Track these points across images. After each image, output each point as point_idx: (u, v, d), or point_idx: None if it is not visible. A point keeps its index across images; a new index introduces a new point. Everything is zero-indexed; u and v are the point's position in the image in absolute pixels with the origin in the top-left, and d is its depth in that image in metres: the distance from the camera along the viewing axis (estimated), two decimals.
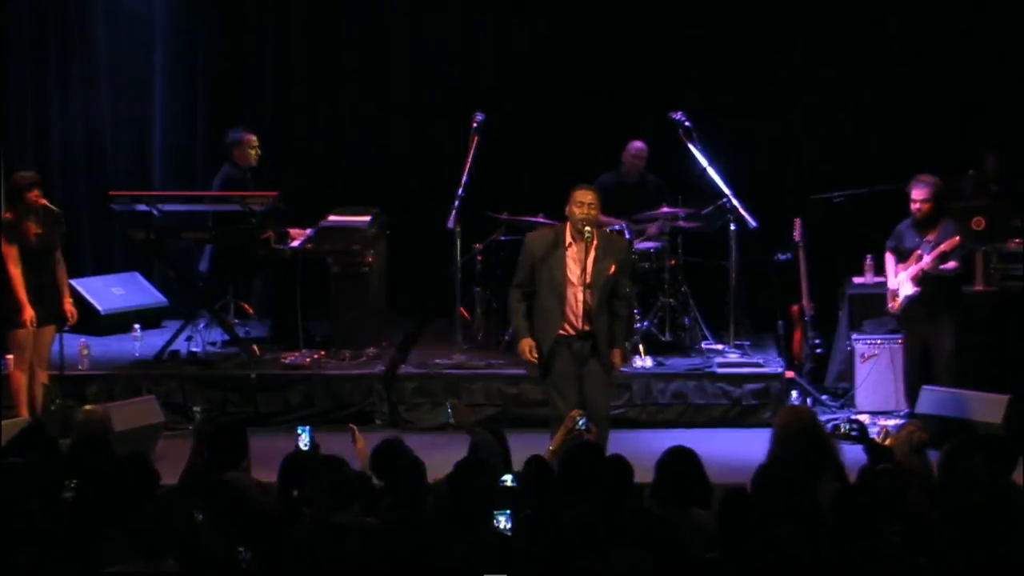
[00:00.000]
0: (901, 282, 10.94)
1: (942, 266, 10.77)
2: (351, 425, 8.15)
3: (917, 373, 11.00)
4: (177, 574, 6.35)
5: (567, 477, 7.18)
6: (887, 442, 7.60)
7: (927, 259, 10.77)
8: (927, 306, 10.89)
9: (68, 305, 10.74)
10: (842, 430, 7.67)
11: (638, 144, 12.57)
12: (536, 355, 9.10)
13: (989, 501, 6.37)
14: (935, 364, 10.91)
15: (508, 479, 7.03)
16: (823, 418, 11.15)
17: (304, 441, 7.58)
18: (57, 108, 13.61)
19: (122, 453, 8.12)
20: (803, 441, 7.42)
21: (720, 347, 12.07)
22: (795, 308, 12.06)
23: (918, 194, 10.84)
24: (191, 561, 6.42)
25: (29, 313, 10.46)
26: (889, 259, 11.09)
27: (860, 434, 7.70)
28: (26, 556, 6.17)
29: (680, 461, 6.97)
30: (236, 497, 6.78)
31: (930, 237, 10.83)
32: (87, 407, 8.48)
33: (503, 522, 6.56)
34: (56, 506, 7.09)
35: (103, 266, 13.45)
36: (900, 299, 10.95)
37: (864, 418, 11.19)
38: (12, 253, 10.49)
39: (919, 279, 10.82)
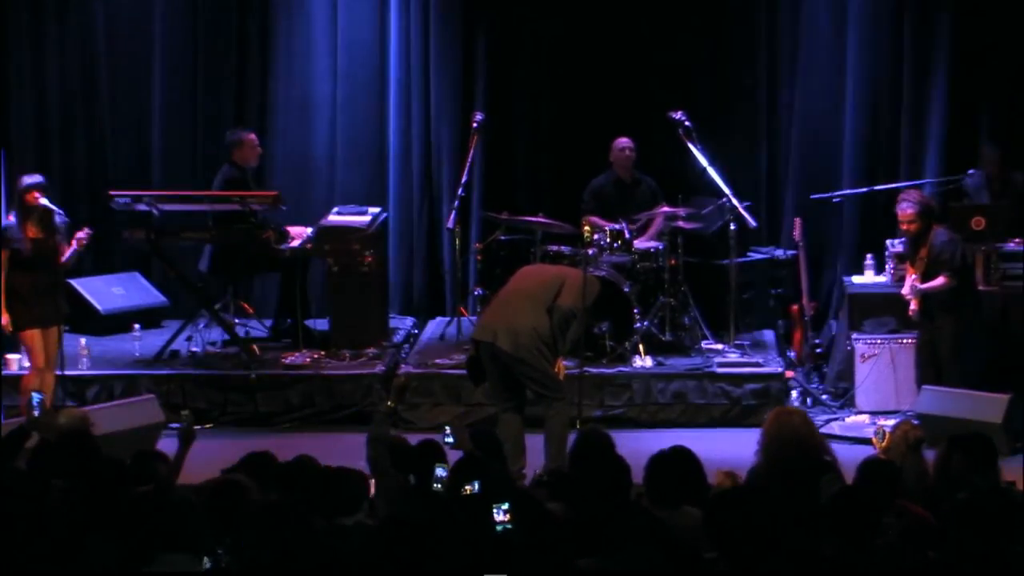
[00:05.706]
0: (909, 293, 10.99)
1: (926, 285, 10.78)
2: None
3: (924, 373, 11.03)
4: (190, 574, 6.35)
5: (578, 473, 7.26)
6: (884, 441, 7.60)
7: (912, 282, 10.83)
8: (927, 309, 10.91)
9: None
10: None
11: (623, 140, 12.51)
12: None
13: (977, 499, 6.37)
14: (941, 364, 10.96)
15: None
16: (823, 418, 11.18)
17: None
18: (58, 106, 13.60)
19: (120, 453, 8.14)
20: (791, 451, 7.36)
21: (720, 347, 12.07)
22: (795, 308, 12.06)
23: (903, 214, 10.83)
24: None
25: (5, 318, 10.56)
26: (909, 270, 11.06)
27: None
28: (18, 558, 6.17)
29: (674, 460, 6.97)
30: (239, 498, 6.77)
31: (923, 253, 10.82)
32: (65, 409, 8.46)
33: (501, 515, 6.49)
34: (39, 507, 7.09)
35: (103, 266, 13.44)
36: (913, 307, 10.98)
37: (864, 418, 11.22)
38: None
39: (915, 292, 10.85)
